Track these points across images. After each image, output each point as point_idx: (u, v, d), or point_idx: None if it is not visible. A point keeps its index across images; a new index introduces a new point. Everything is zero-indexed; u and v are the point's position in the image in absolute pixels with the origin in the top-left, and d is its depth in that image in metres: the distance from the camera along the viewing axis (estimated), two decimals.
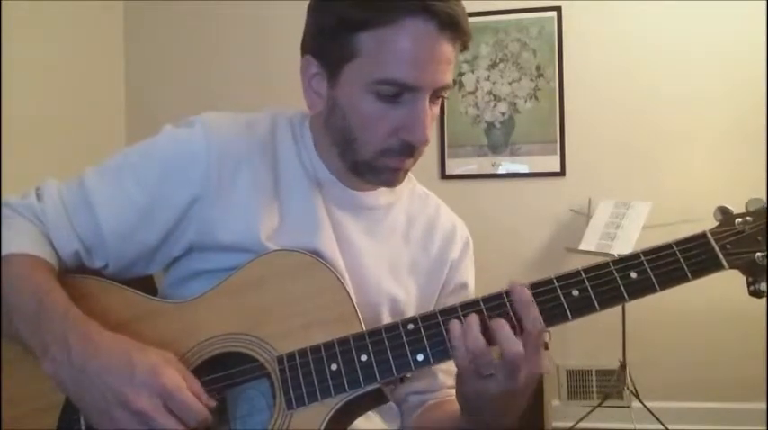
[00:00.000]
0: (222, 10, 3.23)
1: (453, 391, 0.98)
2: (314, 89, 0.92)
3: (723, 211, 0.80)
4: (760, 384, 2.69)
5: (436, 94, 0.88)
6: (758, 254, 0.77)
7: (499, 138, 3.08)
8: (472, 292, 1.08)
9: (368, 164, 0.90)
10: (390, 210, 1.01)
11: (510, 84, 3.07)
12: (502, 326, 0.76)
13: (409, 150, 0.89)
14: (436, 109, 0.90)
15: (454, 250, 1.04)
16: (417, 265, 1.01)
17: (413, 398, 1.03)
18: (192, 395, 0.76)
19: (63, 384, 0.78)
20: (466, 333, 0.76)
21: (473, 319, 0.77)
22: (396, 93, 0.84)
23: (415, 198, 1.06)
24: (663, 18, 2.96)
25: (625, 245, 2.51)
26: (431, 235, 1.03)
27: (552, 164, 3.04)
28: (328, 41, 0.87)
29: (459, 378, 0.81)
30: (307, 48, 0.91)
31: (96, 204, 0.90)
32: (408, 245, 1.01)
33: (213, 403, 0.79)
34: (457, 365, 0.78)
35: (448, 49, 0.85)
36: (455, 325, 0.78)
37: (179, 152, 0.91)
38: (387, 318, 0.95)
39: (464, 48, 0.88)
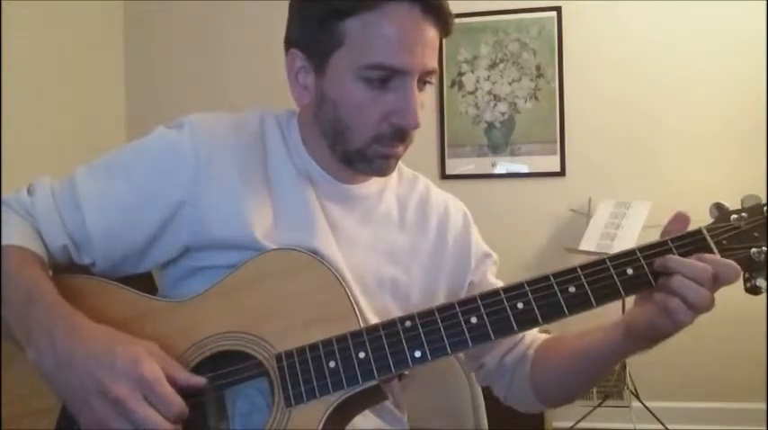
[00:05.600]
0: (222, 10, 3.23)
1: (536, 333, 1.02)
2: (300, 83, 0.93)
3: (719, 207, 0.81)
4: (760, 384, 2.69)
5: (423, 80, 0.89)
6: (754, 249, 0.78)
7: (499, 138, 3.08)
8: (496, 258, 1.09)
9: (360, 152, 0.90)
10: (382, 197, 1.02)
11: (510, 84, 3.07)
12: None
13: (401, 135, 0.89)
14: (424, 96, 0.91)
15: (453, 226, 1.05)
16: (418, 247, 1.01)
17: (508, 359, 1.03)
18: (170, 388, 0.76)
19: (45, 372, 0.78)
20: (683, 292, 0.75)
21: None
22: (384, 77, 0.85)
23: (403, 181, 1.07)
24: (663, 18, 2.96)
25: (625, 245, 2.49)
26: (425, 215, 1.04)
27: (552, 164, 3.04)
28: (314, 32, 0.88)
29: (653, 316, 0.79)
30: (291, 42, 0.92)
31: (84, 203, 0.91)
32: (404, 228, 1.02)
33: (202, 381, 0.80)
34: (677, 321, 0.77)
35: (432, 32, 0.87)
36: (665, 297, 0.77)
37: (167, 155, 0.92)
38: (391, 304, 0.96)
39: (446, 34, 0.90)
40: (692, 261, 0.76)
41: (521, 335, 1.03)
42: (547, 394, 1.01)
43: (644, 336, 0.83)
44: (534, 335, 1.05)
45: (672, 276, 0.76)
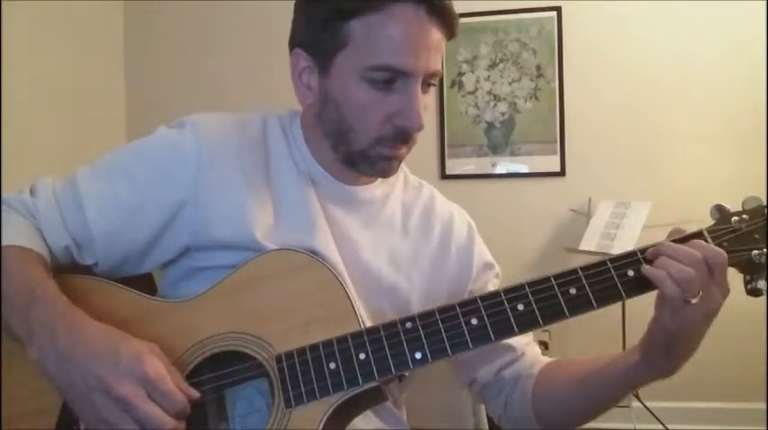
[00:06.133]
0: (222, 10, 3.23)
1: (537, 350, 1.02)
2: (304, 83, 0.92)
3: (719, 209, 0.81)
4: (760, 384, 2.69)
5: (426, 82, 0.89)
6: (755, 251, 0.78)
7: (499, 139, 3.08)
8: (498, 270, 1.08)
9: (362, 153, 0.90)
10: (386, 202, 1.01)
11: (510, 84, 3.07)
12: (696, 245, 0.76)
13: (404, 137, 0.89)
14: (427, 98, 0.91)
15: (457, 236, 1.05)
16: (420, 254, 1.01)
17: (507, 372, 1.01)
18: (173, 384, 0.76)
19: (47, 370, 0.78)
20: (667, 266, 0.76)
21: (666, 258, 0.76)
22: (388, 79, 0.85)
23: (408, 187, 1.07)
24: (663, 18, 2.96)
25: (625, 245, 2.50)
26: (429, 222, 1.04)
27: (552, 164, 3.04)
28: (318, 32, 0.88)
29: (662, 317, 0.79)
30: (295, 42, 0.92)
31: (86, 203, 0.91)
32: (407, 235, 1.01)
33: (196, 394, 0.79)
34: (666, 296, 0.76)
35: (437, 34, 0.87)
36: (650, 268, 0.77)
37: (169, 155, 0.92)
38: (389, 310, 0.95)
39: (451, 36, 0.89)
40: (679, 245, 0.77)
41: (521, 351, 1.02)
42: (549, 417, 0.98)
43: (658, 346, 0.82)
44: (537, 355, 1.04)
45: (660, 257, 0.77)
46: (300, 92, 0.93)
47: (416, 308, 0.96)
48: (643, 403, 2.69)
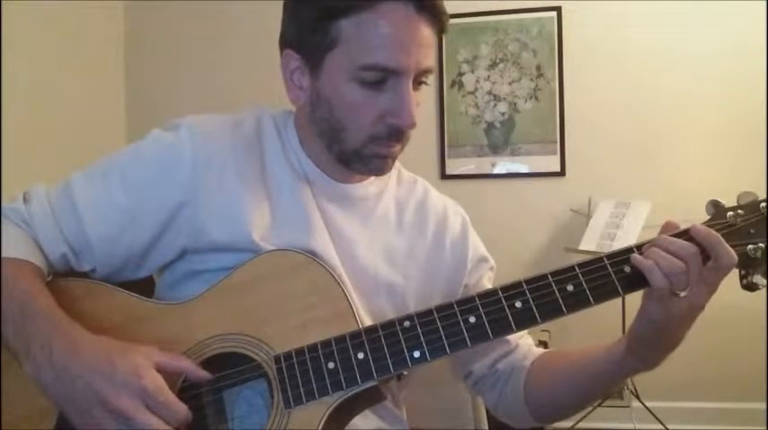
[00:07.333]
0: (222, 10, 3.23)
1: (531, 342, 1.03)
2: (296, 83, 0.92)
3: (715, 205, 0.81)
4: (760, 384, 2.69)
5: (418, 79, 0.88)
6: (750, 246, 0.78)
7: (499, 138, 3.08)
8: (493, 264, 1.08)
9: (356, 152, 0.90)
10: (380, 199, 1.01)
11: (510, 84, 3.07)
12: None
13: (397, 135, 0.89)
14: (420, 95, 0.90)
15: (451, 230, 1.05)
16: (415, 249, 1.01)
17: (502, 365, 1.02)
18: (172, 395, 0.76)
19: (44, 385, 0.77)
20: (657, 257, 0.77)
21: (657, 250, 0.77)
22: (379, 78, 0.85)
23: (402, 183, 1.06)
24: (662, 18, 2.96)
25: (625, 245, 2.50)
26: (424, 217, 1.04)
27: (552, 164, 3.04)
28: (308, 33, 0.87)
29: (648, 307, 0.80)
30: (285, 43, 0.92)
31: (81, 208, 0.90)
32: (402, 230, 1.01)
33: (208, 375, 0.80)
34: (653, 286, 0.77)
35: (427, 31, 0.86)
36: (640, 258, 0.78)
37: (164, 156, 0.91)
38: (386, 307, 0.95)
39: (441, 32, 0.89)
40: (675, 238, 0.78)
41: (514, 344, 1.03)
42: (539, 409, 0.99)
43: (643, 337, 0.82)
44: (530, 347, 1.04)
45: (651, 248, 0.78)
46: (292, 92, 0.93)
47: (413, 303, 0.97)
48: (643, 403, 2.68)
